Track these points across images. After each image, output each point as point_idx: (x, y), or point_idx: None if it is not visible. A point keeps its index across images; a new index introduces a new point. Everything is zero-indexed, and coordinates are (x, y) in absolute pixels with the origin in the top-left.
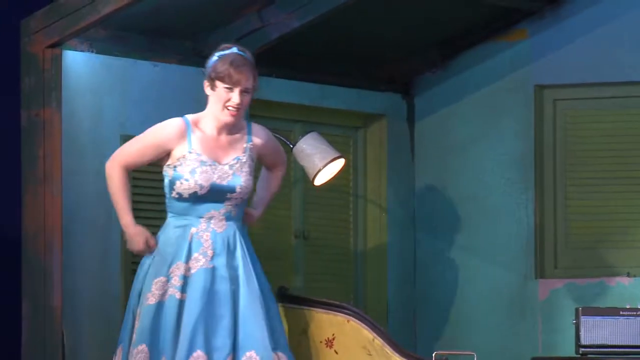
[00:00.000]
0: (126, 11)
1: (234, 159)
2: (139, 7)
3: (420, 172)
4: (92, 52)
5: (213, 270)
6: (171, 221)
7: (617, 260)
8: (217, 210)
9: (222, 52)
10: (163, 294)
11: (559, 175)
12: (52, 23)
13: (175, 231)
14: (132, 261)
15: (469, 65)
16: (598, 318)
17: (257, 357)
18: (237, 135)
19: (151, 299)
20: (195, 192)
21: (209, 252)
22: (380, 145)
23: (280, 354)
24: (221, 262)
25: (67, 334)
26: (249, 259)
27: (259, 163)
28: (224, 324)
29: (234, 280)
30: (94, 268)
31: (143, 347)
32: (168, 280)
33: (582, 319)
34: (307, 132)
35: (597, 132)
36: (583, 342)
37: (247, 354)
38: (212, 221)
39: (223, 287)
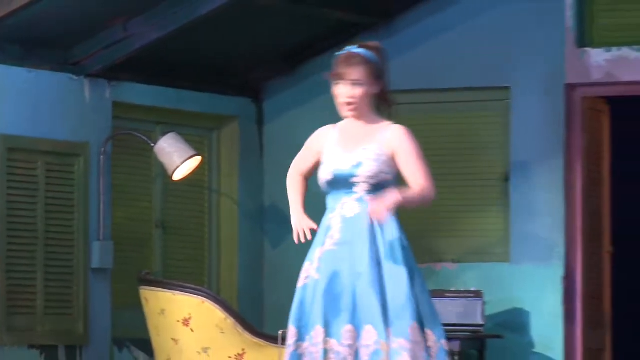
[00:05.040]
0: (4, 23)
1: (363, 148)
2: (14, 19)
3: (269, 169)
4: None
5: (337, 252)
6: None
7: (444, 248)
8: (349, 196)
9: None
10: (307, 277)
11: None
12: None
13: (323, 220)
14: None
15: (313, 73)
16: None
17: (375, 332)
18: (373, 128)
19: (300, 282)
20: (326, 180)
21: (336, 235)
22: (232, 145)
23: (427, 329)
24: (346, 243)
25: None
26: (376, 242)
27: (395, 165)
28: (343, 301)
29: (358, 263)
30: None
31: (292, 328)
32: (311, 264)
33: None
34: (166, 133)
35: (428, 133)
36: None
37: (366, 327)
38: (345, 207)
39: (346, 268)
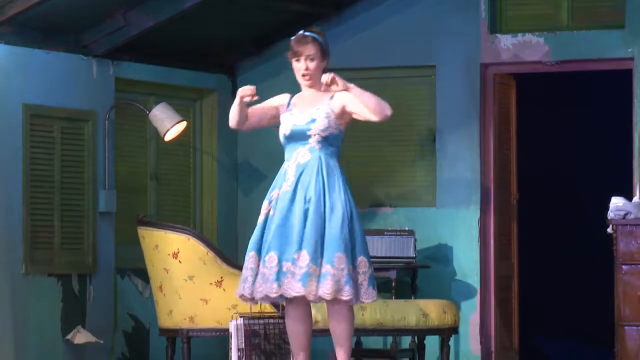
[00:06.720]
0: (26, 13)
1: (316, 108)
2: (34, 10)
3: (241, 132)
4: (1, 43)
5: (292, 192)
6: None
7: (383, 195)
8: (304, 146)
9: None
10: (267, 213)
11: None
12: None
13: (282, 166)
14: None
15: (277, 54)
16: (368, 237)
17: (308, 255)
18: (323, 94)
19: (261, 217)
20: (284, 134)
21: (291, 179)
22: (212, 112)
23: (360, 257)
24: (299, 185)
25: None
26: (324, 184)
27: (342, 123)
28: (295, 232)
29: (307, 200)
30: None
31: (253, 254)
32: (270, 203)
33: None
34: (159, 102)
35: None
36: None
37: (302, 251)
38: (299, 155)
39: (298, 205)
